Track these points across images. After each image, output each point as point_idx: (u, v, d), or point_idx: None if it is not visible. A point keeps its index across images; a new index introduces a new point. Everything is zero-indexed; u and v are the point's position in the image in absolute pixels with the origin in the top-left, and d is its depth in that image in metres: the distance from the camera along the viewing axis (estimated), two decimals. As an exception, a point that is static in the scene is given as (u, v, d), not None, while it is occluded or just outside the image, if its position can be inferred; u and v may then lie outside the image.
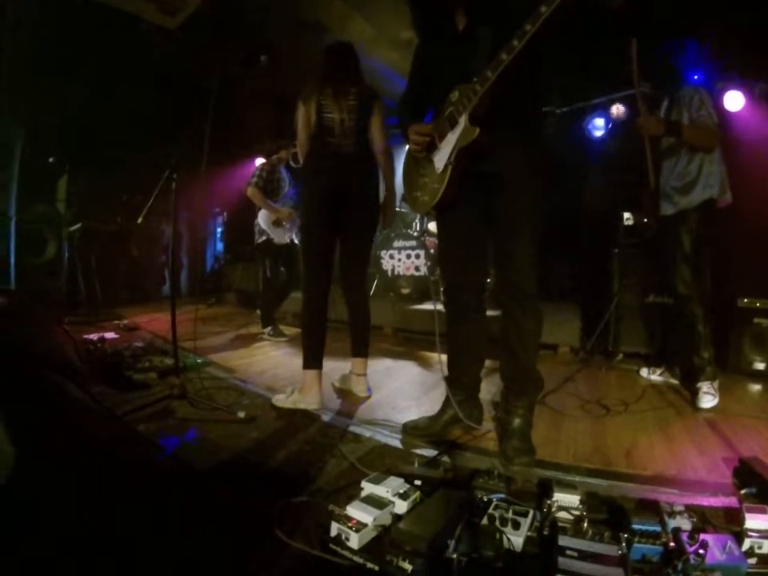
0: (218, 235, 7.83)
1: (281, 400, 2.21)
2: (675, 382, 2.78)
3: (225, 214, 7.51)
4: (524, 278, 1.69)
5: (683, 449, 1.84)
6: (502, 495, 1.31)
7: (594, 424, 2.08)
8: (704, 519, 1.27)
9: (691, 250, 2.50)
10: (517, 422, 1.73)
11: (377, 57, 4.55)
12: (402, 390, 2.59)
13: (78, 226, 5.12)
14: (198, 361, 2.91)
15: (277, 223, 3.96)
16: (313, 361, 2.23)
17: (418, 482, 1.35)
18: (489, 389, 2.35)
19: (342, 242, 2.40)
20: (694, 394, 2.41)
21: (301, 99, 2.32)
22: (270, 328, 4.00)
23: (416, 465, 1.52)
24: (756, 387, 2.77)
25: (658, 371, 2.88)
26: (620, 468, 1.65)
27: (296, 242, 4.06)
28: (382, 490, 1.26)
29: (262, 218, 3.95)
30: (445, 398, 1.93)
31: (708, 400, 2.34)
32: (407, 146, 1.92)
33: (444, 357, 1.97)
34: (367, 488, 1.30)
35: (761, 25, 3.18)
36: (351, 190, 2.27)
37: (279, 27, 4.01)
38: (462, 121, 1.62)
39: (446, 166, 1.70)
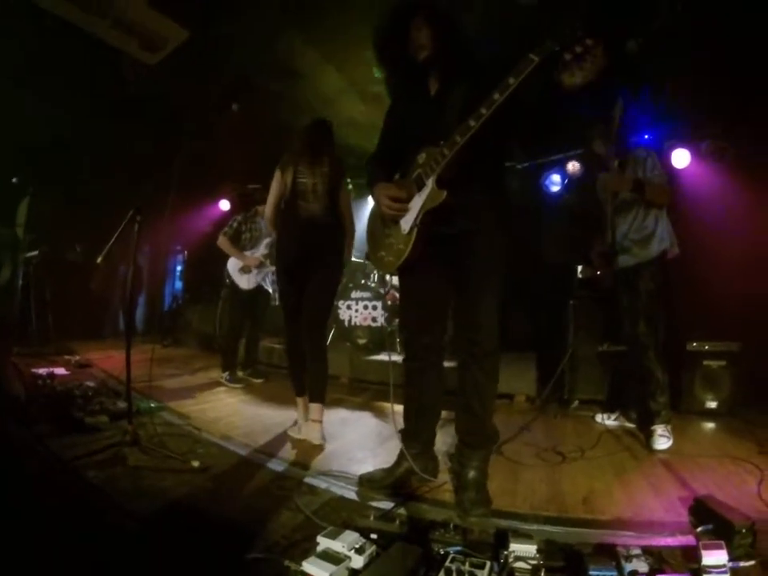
0: (178, 274, 7.72)
1: (295, 431, 2.55)
2: (630, 425, 2.86)
3: (185, 252, 7.44)
4: (487, 336, 1.72)
5: (640, 491, 1.87)
6: (459, 548, 1.31)
7: (550, 472, 2.09)
8: (661, 560, 1.29)
9: (649, 299, 2.65)
10: (472, 473, 1.74)
11: (346, 107, 4.74)
12: (358, 441, 2.57)
13: (35, 252, 4.95)
14: (152, 405, 2.83)
15: (244, 269, 4.05)
16: (297, 389, 2.62)
17: (374, 536, 1.35)
18: (444, 439, 2.33)
19: (305, 294, 2.53)
20: (649, 436, 2.49)
21: (279, 167, 2.59)
22: (227, 373, 3.99)
23: (371, 518, 1.51)
24: (709, 426, 2.92)
25: (613, 416, 2.97)
26: (578, 514, 1.67)
27: (266, 287, 4.14)
28: (337, 545, 1.26)
29: (230, 264, 4.09)
30: (400, 451, 1.92)
31: (663, 442, 2.44)
32: (372, 204, 1.97)
33: (398, 407, 2.00)
34: (323, 543, 1.29)
35: (709, 85, 3.51)
36: (318, 249, 2.46)
37: (256, 71, 4.14)
38: (430, 183, 1.66)
39: (411, 228, 1.73)
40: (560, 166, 5.04)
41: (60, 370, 3.59)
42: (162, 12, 3.58)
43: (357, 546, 1.27)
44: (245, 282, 4.05)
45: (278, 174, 2.59)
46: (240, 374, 4.15)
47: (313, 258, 2.48)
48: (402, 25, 1.74)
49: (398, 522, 1.50)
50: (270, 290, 4.14)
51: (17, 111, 4.46)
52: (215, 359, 4.30)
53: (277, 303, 3.91)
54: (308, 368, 2.55)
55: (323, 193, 2.53)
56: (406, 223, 1.75)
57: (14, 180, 5.05)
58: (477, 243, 1.71)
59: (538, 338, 4.49)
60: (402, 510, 1.67)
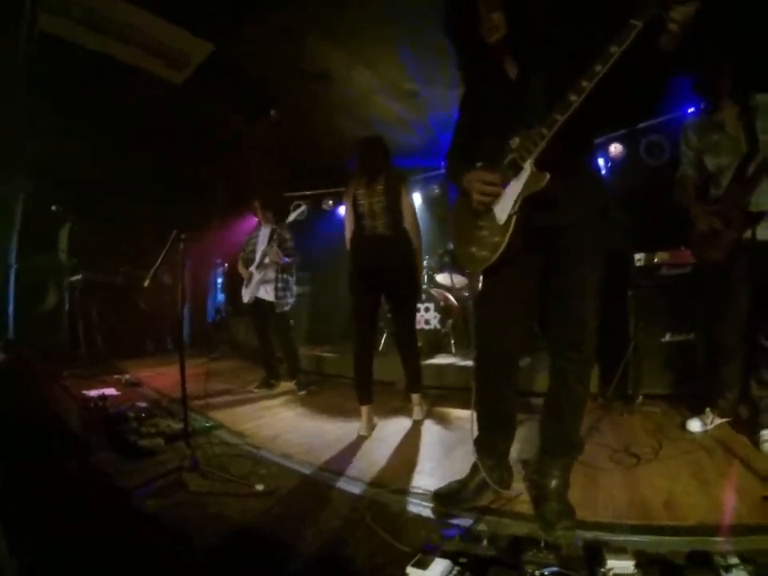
0: (219, 286, 7.81)
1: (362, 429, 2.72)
2: (722, 420, 2.56)
3: (225, 264, 7.50)
4: (589, 343, 1.62)
5: (721, 492, 1.76)
6: (555, 568, 1.23)
7: (627, 475, 1.98)
8: (759, 568, 1.19)
9: None
10: (554, 483, 1.64)
11: (378, 107, 4.67)
12: (424, 452, 2.47)
13: (79, 276, 5.05)
14: (207, 425, 2.74)
15: (245, 285, 4.11)
16: (361, 398, 2.79)
17: (462, 560, 1.26)
18: (515, 445, 2.20)
19: (389, 307, 3.00)
20: (756, 442, 2.23)
21: (344, 196, 2.92)
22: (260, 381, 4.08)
23: (457, 539, 1.43)
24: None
25: (707, 419, 2.58)
26: (662, 520, 1.57)
27: (266, 298, 4.02)
28: (431, 576, 1.16)
29: None
30: (474, 463, 1.83)
31: None
32: (458, 198, 1.82)
33: (464, 413, 1.93)
34: (413, 574, 1.20)
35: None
36: (384, 263, 2.54)
37: (284, 78, 4.09)
38: (527, 166, 1.52)
39: (509, 217, 1.57)
40: (602, 149, 4.80)
41: (111, 391, 3.61)
42: (184, 28, 3.58)
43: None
44: (243, 295, 4.11)
45: (345, 201, 2.92)
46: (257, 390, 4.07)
47: (381, 269, 2.69)
48: (472, 6, 1.60)
49: (485, 541, 1.40)
50: (272, 299, 3.98)
51: (53, 143, 4.57)
52: (262, 371, 4.25)
53: (284, 309, 3.96)
54: (403, 367, 3.01)
55: (381, 210, 2.72)
56: (503, 212, 1.59)
57: (53, 208, 5.16)
58: (578, 236, 1.59)
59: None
60: (482, 526, 1.58)
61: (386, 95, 4.51)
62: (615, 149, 4.74)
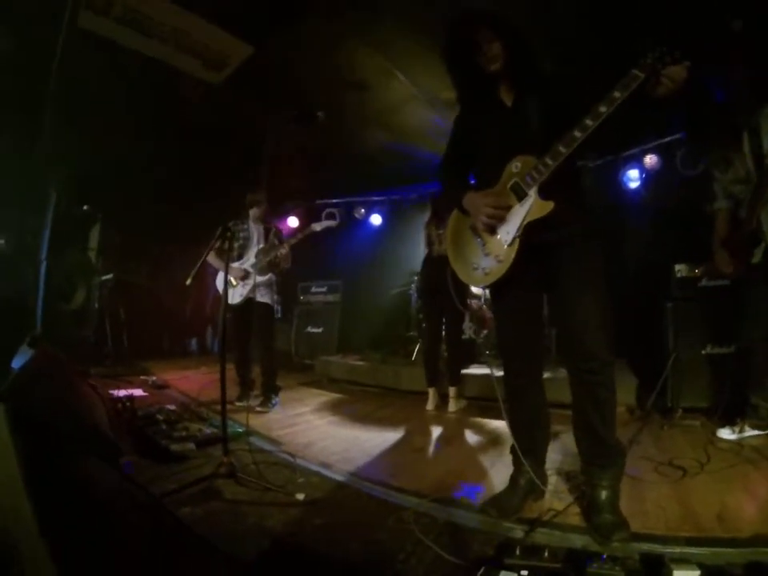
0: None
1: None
2: (757, 432, 2.57)
3: (254, 270, 7.49)
4: (600, 344, 1.62)
5: None
6: None
7: (675, 488, 1.94)
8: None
9: None
10: (605, 494, 1.62)
11: (414, 116, 4.64)
12: (465, 461, 2.42)
13: (110, 276, 5.09)
14: (240, 430, 2.65)
15: (229, 283, 3.59)
16: (429, 381, 3.71)
17: (524, 572, 1.24)
18: (557, 457, 2.28)
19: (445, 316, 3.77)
20: None
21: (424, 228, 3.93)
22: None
23: (517, 552, 1.34)
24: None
25: (737, 429, 2.62)
26: (716, 533, 1.54)
27: (263, 300, 3.69)
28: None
29: (218, 278, 3.75)
30: (513, 470, 1.86)
31: None
32: (455, 216, 1.92)
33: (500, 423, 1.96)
34: None
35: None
36: (442, 282, 2.64)
37: (320, 84, 4.08)
38: (533, 193, 1.63)
39: (514, 239, 1.66)
40: (637, 160, 4.74)
41: (138, 391, 3.60)
42: (225, 29, 3.58)
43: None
44: (229, 296, 3.56)
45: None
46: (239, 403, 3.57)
47: (439, 287, 2.96)
48: (470, 35, 1.69)
49: (546, 553, 1.33)
50: (270, 302, 3.71)
51: (86, 143, 4.63)
52: (295, 377, 4.21)
53: (279, 315, 3.90)
54: (449, 362, 3.76)
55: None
56: (508, 234, 1.69)
57: (84, 207, 5.22)
58: (573, 250, 1.67)
59: (629, 345, 4.15)
60: (535, 538, 1.54)
61: (422, 104, 4.49)
62: (650, 160, 4.65)
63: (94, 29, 3.46)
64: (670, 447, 2.52)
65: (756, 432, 2.58)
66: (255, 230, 3.74)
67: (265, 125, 2.30)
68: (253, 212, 3.70)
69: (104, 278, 5.10)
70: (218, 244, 3.56)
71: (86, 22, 3.39)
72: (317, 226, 3.50)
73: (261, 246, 3.67)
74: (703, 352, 3.17)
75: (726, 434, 2.63)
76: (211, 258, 3.51)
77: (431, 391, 3.66)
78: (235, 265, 3.64)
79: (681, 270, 3.41)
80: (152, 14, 3.41)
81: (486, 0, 1.72)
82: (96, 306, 5.10)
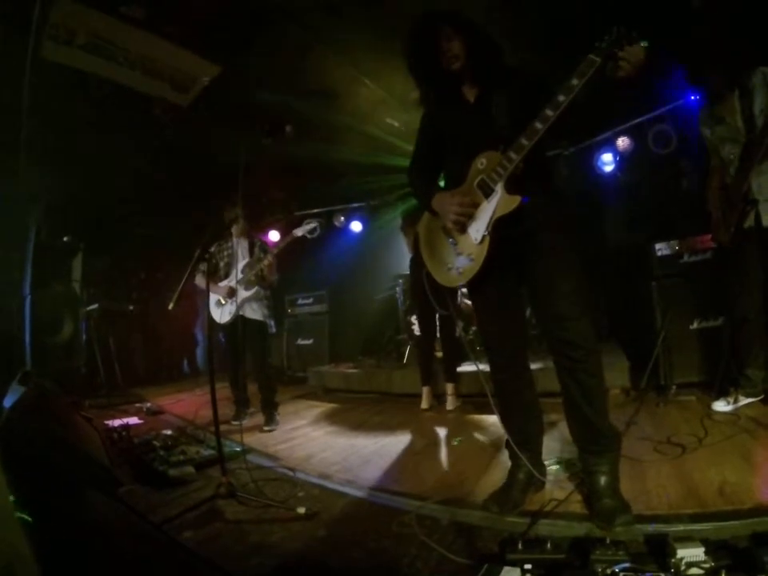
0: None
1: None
2: (751, 400, 2.61)
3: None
4: (580, 332, 1.63)
5: None
6: (626, 564, 1.20)
7: (675, 466, 1.95)
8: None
9: None
10: (604, 479, 1.62)
11: (388, 119, 4.66)
12: (463, 460, 2.41)
13: (95, 306, 5.03)
14: (237, 449, 2.63)
15: (219, 302, 3.66)
16: (423, 380, 3.72)
17: (527, 566, 1.24)
18: (555, 446, 2.28)
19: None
20: None
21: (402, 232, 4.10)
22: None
23: (520, 546, 1.34)
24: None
25: (731, 399, 2.65)
26: (718, 507, 1.55)
27: (254, 317, 3.60)
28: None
29: (211, 300, 3.59)
30: (511, 465, 1.86)
31: None
32: (426, 217, 1.93)
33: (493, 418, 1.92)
34: None
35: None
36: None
37: (289, 97, 4.08)
38: (499, 189, 1.62)
39: (483, 237, 1.66)
40: (610, 144, 4.77)
41: (134, 420, 3.57)
42: (190, 49, 3.58)
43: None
44: (218, 315, 3.62)
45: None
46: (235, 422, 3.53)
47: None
48: (431, 35, 1.71)
49: (549, 544, 1.33)
50: (262, 318, 3.63)
51: (59, 170, 4.59)
52: (289, 390, 4.19)
53: (273, 330, 3.76)
54: (446, 359, 3.72)
55: None
56: (477, 232, 1.69)
57: (65, 238, 5.17)
58: (544, 239, 1.68)
59: (617, 326, 4.20)
60: (538, 530, 1.54)
61: (394, 107, 4.50)
62: (623, 142, 4.68)
63: (59, 59, 3.43)
64: (667, 425, 2.53)
65: (750, 399, 2.61)
66: (240, 246, 3.71)
67: (237, 140, 2.31)
68: (234, 229, 3.66)
69: (89, 308, 5.05)
70: (202, 266, 3.61)
71: (50, 53, 3.36)
72: (299, 231, 3.46)
73: (246, 260, 3.64)
74: (691, 327, 3.21)
75: (721, 406, 2.65)
76: (199, 281, 3.53)
77: (425, 390, 3.66)
78: (222, 284, 3.61)
79: (661, 248, 3.45)
80: (115, 39, 3.39)
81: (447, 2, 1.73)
82: (84, 336, 5.05)
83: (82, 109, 4.00)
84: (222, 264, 3.70)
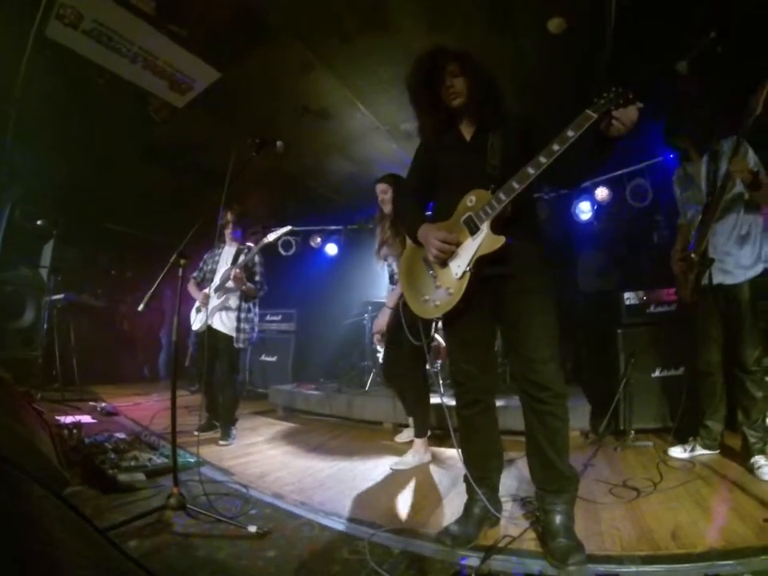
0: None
1: (408, 463, 2.76)
2: (708, 452, 2.68)
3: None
4: (550, 375, 1.65)
5: (724, 518, 1.80)
6: None
7: (629, 508, 1.98)
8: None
9: (753, 318, 2.44)
10: (559, 519, 1.64)
11: (374, 145, 4.75)
12: (419, 490, 2.40)
13: (61, 296, 4.85)
14: (191, 460, 2.55)
15: (197, 309, 3.62)
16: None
17: None
18: (512, 484, 2.29)
19: None
20: (750, 468, 2.34)
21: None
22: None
23: None
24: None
25: (689, 447, 2.72)
26: (671, 550, 1.58)
27: (221, 329, 3.47)
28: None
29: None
30: (466, 501, 1.85)
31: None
32: (409, 247, 1.95)
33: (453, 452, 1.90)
34: None
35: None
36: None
37: (283, 112, 4.13)
38: (485, 228, 1.66)
39: (464, 272, 1.69)
40: (589, 193, 4.96)
41: (86, 418, 3.43)
42: (193, 52, 3.60)
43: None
44: (194, 321, 3.62)
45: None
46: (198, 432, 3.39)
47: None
48: (438, 70, 1.76)
49: None
50: (229, 332, 3.45)
51: (44, 155, 4.49)
52: (248, 405, 4.09)
53: (240, 345, 3.43)
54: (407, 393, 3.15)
55: None
56: (458, 267, 1.71)
57: (39, 222, 5.01)
58: (524, 280, 1.70)
59: (581, 369, 4.29)
60: (491, 566, 1.53)
61: (384, 135, 4.58)
62: (602, 193, 4.88)
63: (62, 41, 3.39)
64: (623, 469, 2.57)
65: (708, 452, 2.68)
66: (227, 253, 3.65)
67: (227, 149, 2.31)
68: (226, 234, 3.66)
69: (54, 297, 4.86)
70: (196, 274, 3.64)
71: (55, 33, 3.32)
72: (271, 236, 3.38)
73: (227, 267, 3.55)
74: (653, 375, 3.33)
75: (677, 452, 2.72)
76: (191, 288, 3.58)
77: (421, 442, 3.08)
78: (207, 289, 3.54)
79: (629, 297, 3.60)
80: (122, 30, 3.39)
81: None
82: (45, 326, 4.85)
83: (79, 97, 3.94)
84: (207, 269, 3.67)
